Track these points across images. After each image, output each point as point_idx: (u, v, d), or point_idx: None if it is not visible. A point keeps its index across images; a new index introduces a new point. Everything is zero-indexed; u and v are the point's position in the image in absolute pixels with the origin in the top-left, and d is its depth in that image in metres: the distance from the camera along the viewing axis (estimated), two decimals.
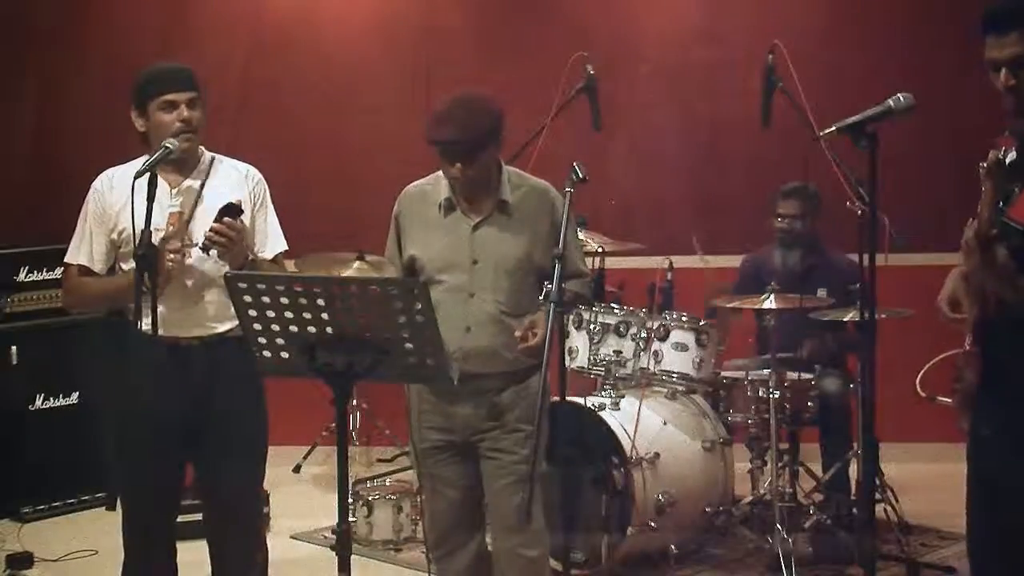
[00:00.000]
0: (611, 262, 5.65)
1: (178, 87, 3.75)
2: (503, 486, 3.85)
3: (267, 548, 4.29)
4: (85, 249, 3.83)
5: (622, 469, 5.01)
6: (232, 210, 3.67)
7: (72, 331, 6.05)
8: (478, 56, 7.02)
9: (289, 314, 3.04)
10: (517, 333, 3.68)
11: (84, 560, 5.46)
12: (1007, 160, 2.92)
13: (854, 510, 5.34)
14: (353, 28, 7.21)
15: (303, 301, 3.01)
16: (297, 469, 6.86)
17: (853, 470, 5.46)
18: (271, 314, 3.05)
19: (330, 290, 3.02)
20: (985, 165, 2.85)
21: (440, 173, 3.86)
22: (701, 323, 5.30)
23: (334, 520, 3.19)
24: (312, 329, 3.04)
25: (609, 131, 5.70)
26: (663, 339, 5.27)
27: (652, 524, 5.00)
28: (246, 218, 3.76)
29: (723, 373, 5.45)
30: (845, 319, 5.29)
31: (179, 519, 3.95)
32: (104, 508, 6.06)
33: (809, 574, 5.07)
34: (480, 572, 4.00)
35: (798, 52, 5.20)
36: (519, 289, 3.83)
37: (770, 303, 5.25)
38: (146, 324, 3.55)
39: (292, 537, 5.74)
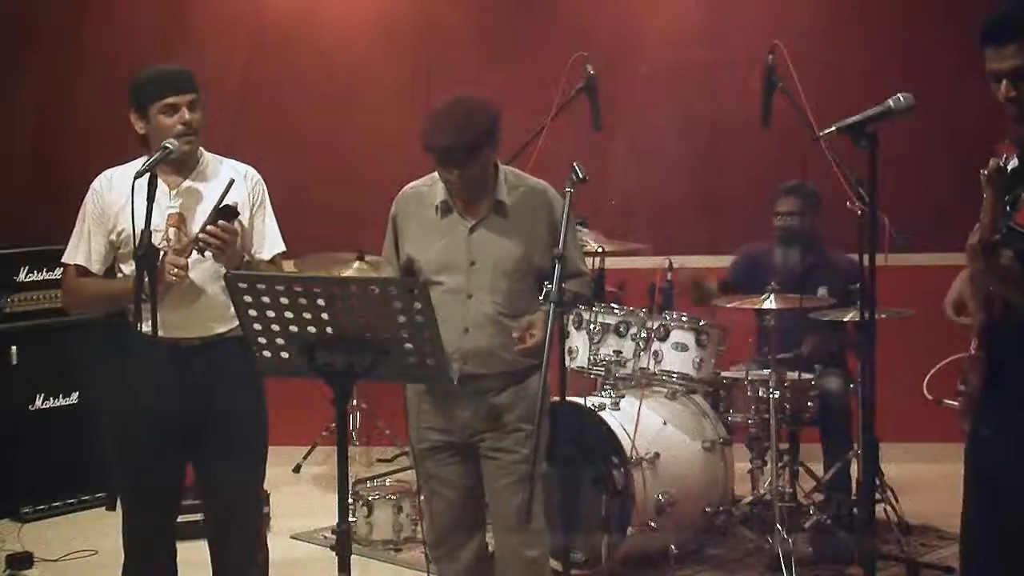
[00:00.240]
0: (611, 262, 5.65)
1: (179, 89, 3.74)
2: (504, 486, 3.85)
3: (267, 548, 4.30)
4: (83, 249, 3.82)
5: (622, 469, 5.01)
6: (228, 212, 3.67)
7: (72, 331, 6.06)
8: (478, 56, 7.02)
9: (289, 314, 3.04)
10: (515, 334, 3.68)
11: (84, 560, 5.46)
12: (1008, 167, 2.91)
13: (854, 510, 5.35)
14: (353, 28, 7.22)
15: (303, 301, 3.02)
16: (297, 469, 6.86)
17: (853, 470, 5.47)
18: (271, 314, 3.05)
19: (330, 290, 3.02)
20: (986, 172, 2.85)
21: (437, 174, 3.86)
22: (701, 323, 5.31)
23: (334, 520, 3.19)
24: (312, 329, 3.04)
25: (609, 131, 5.70)
26: (663, 339, 5.27)
27: (652, 524, 5.00)
28: (244, 219, 3.76)
29: (723, 373, 5.45)
30: (845, 319, 5.29)
31: (179, 519, 3.96)
32: (104, 508, 6.06)
33: (809, 574, 5.07)
34: (481, 572, 4.00)
35: (798, 52, 5.20)
36: (517, 290, 3.82)
37: (770, 303, 5.25)
38: (146, 326, 3.55)
39: (292, 537, 5.74)
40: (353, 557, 3.19)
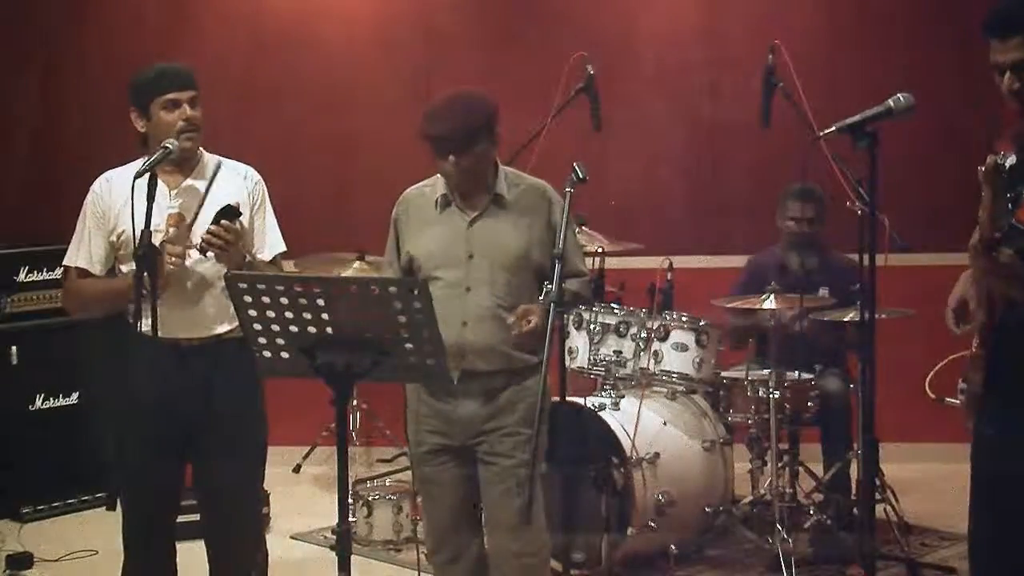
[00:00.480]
0: (611, 262, 5.64)
1: (180, 85, 3.75)
2: (501, 491, 3.83)
3: (267, 548, 4.30)
4: (84, 251, 3.82)
5: (622, 469, 5.01)
6: (230, 212, 3.67)
7: (72, 331, 6.04)
8: (478, 57, 7.01)
9: (289, 314, 3.04)
10: (510, 320, 3.67)
11: (84, 560, 5.46)
12: (1006, 164, 2.92)
13: (854, 510, 5.34)
14: (353, 28, 7.21)
15: (303, 301, 3.01)
16: (297, 469, 6.86)
17: (853, 470, 5.46)
18: (271, 314, 3.05)
19: (330, 290, 3.02)
20: (983, 169, 2.85)
21: (438, 176, 3.87)
22: (701, 323, 5.30)
23: (334, 520, 3.19)
24: (312, 329, 3.04)
25: (609, 131, 5.69)
26: (663, 339, 5.27)
27: (652, 524, 5.00)
28: (244, 219, 3.76)
29: (723, 373, 5.44)
30: (845, 319, 5.29)
31: (179, 519, 3.95)
32: (104, 508, 6.04)
33: (809, 574, 5.07)
34: (482, 575, 3.99)
35: (798, 52, 5.20)
36: (516, 284, 3.82)
37: (770, 303, 5.25)
38: (146, 325, 3.55)
39: (292, 537, 5.74)
40: (353, 557, 3.19)
